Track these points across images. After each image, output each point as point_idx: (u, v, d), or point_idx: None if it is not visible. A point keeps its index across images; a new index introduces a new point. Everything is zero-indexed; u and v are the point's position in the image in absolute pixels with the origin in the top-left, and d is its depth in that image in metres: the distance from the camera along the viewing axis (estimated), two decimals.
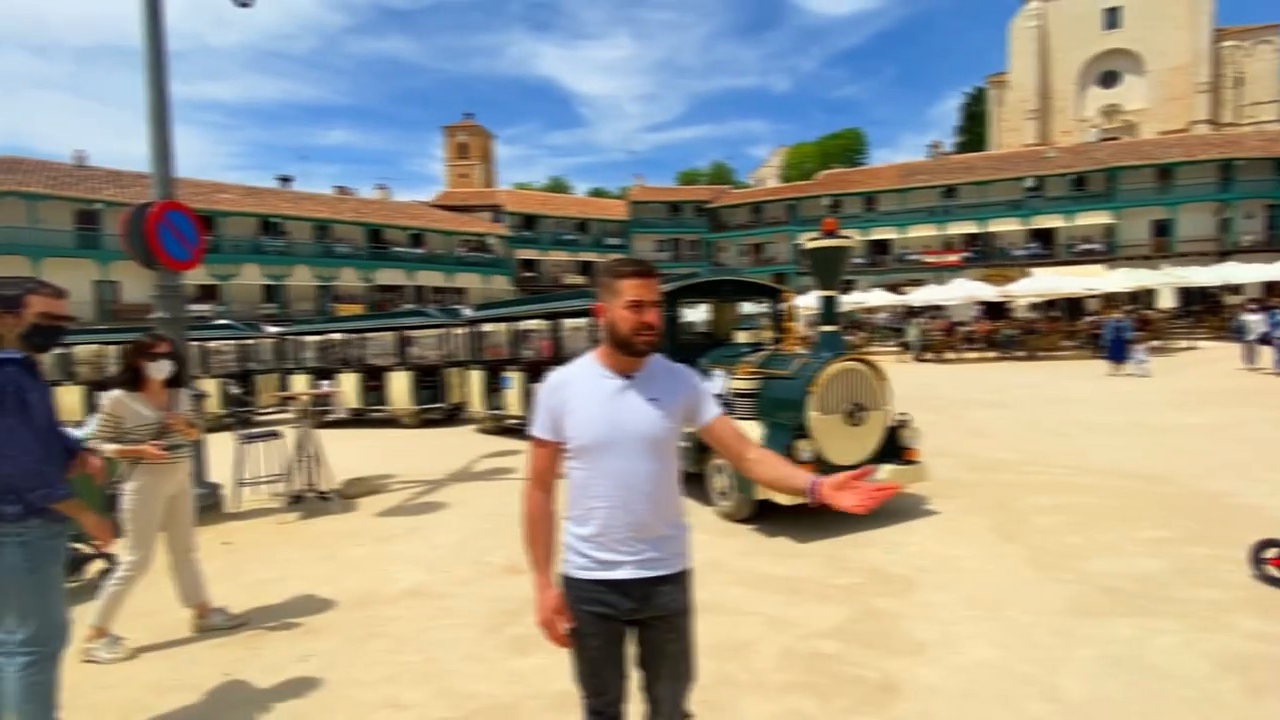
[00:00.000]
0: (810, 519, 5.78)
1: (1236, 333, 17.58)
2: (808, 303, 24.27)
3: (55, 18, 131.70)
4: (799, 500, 1.90)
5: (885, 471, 5.77)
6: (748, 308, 8.36)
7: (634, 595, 1.90)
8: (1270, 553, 4.28)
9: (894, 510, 6.15)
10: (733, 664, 3.45)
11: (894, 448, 6.03)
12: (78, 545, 4.82)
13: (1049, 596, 4.22)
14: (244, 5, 7.51)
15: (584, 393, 1.90)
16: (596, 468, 1.88)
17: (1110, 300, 26.86)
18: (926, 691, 3.17)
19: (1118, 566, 4.66)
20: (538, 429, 1.95)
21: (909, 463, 5.97)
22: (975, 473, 7.52)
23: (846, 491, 1.70)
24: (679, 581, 1.98)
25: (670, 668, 2.00)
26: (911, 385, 16.64)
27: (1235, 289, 27.98)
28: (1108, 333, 18.11)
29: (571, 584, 1.95)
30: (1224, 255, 34.06)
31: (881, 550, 5.14)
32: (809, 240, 5.92)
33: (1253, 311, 17.23)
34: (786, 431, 5.61)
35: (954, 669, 3.36)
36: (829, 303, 6.03)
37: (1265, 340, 15.90)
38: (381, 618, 4.17)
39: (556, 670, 3.40)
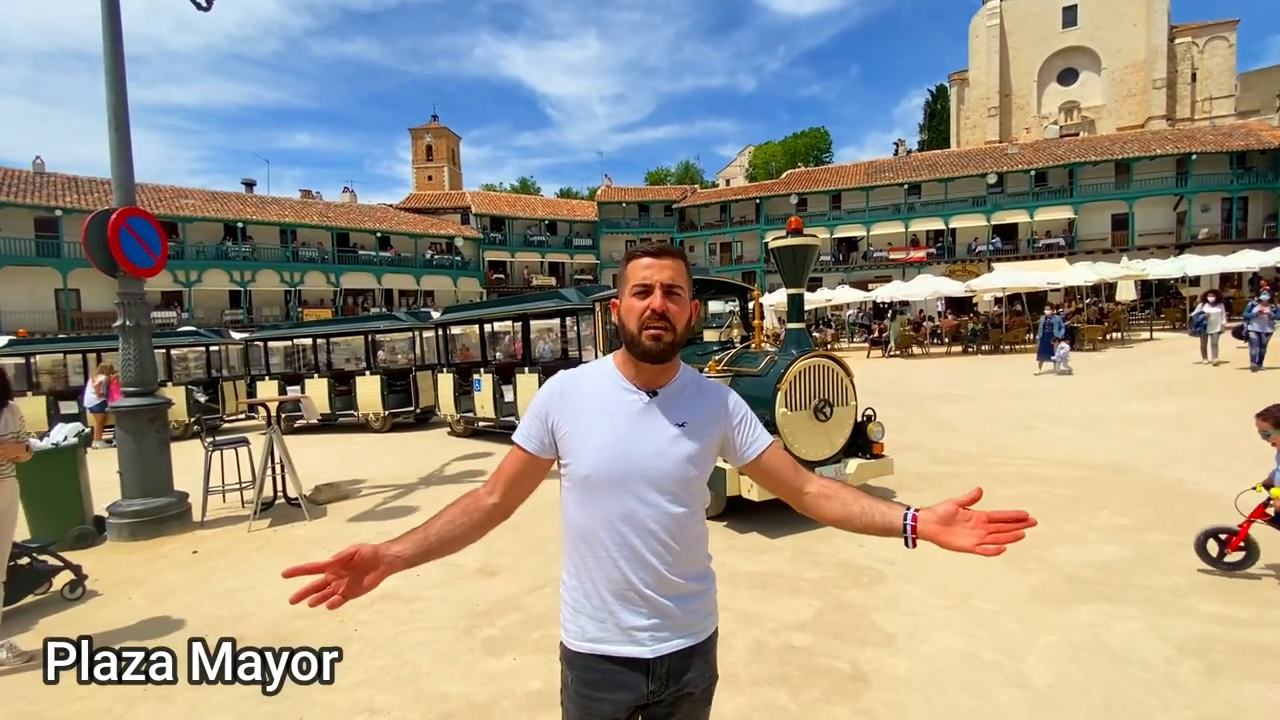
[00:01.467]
0: (780, 515, 5.84)
1: (1197, 327, 16.07)
2: (777, 300, 24.64)
3: (11, 21, 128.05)
4: (873, 533, 1.47)
5: (853, 465, 5.88)
6: (716, 306, 8.43)
7: (657, 675, 1.48)
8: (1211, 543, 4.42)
9: None
10: None
11: (861, 442, 6.13)
12: (44, 557, 4.73)
13: (1014, 585, 4.32)
14: (203, 9, 7.37)
15: (594, 407, 1.49)
16: (602, 507, 1.47)
17: (1069, 295, 27.44)
18: (895, 681, 3.24)
19: (1080, 555, 4.80)
20: (522, 436, 1.53)
21: (876, 456, 6.08)
22: (941, 465, 7.65)
23: (959, 529, 1.33)
24: (708, 652, 1.58)
25: None
26: (879, 381, 16.87)
27: (1193, 281, 28.74)
28: (1041, 329, 17.73)
29: (574, 661, 1.53)
30: (1181, 248, 35.02)
31: (851, 544, 5.22)
32: (775, 239, 5.98)
33: (1212, 304, 15.96)
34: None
35: (922, 658, 3.44)
36: (796, 300, 6.10)
37: (1239, 334, 14.89)
38: (354, 623, 4.14)
39: (530, 670, 3.43)
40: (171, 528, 6.40)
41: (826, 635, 3.73)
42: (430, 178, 65.64)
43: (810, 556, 4.99)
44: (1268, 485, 4.25)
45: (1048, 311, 18.12)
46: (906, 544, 1.39)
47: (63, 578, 4.79)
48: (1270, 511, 4.17)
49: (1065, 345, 16.81)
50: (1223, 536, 4.37)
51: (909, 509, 1.41)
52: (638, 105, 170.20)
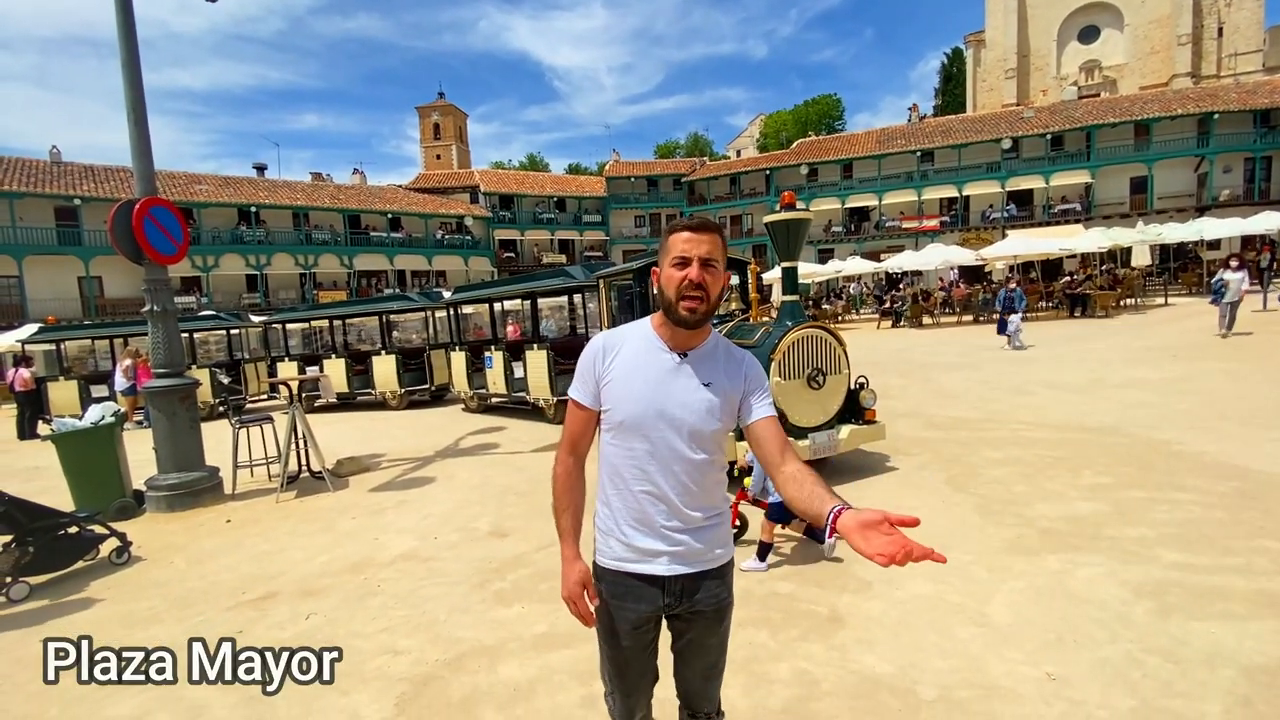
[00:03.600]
0: None
1: (1216, 295, 14.54)
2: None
3: (17, 9, 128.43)
4: (808, 518, 1.51)
5: (845, 431, 6.15)
6: None
7: (671, 591, 1.75)
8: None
9: (856, 467, 6.55)
10: None
11: (854, 409, 6.40)
12: (93, 527, 5.13)
13: (990, 538, 4.60)
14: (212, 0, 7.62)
15: (631, 363, 1.71)
16: (634, 448, 1.70)
17: (1084, 261, 27.24)
18: (868, 621, 3.55)
19: (1057, 510, 5.06)
20: (576, 391, 1.77)
21: (868, 423, 6.34)
22: (937, 431, 7.90)
23: (873, 534, 1.27)
24: (721, 576, 1.82)
25: (706, 663, 1.87)
26: (886, 351, 17.06)
27: (1211, 244, 28.38)
28: (999, 303, 16.88)
29: (603, 574, 1.80)
30: (1202, 210, 34.34)
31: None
32: (769, 215, 6.20)
33: (1234, 269, 14.30)
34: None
35: (894, 602, 3.74)
36: (790, 274, 6.34)
37: None
38: (376, 580, 4.52)
39: (535, 617, 3.78)
40: (205, 500, 6.82)
41: (808, 584, 4.04)
42: (439, 156, 65.72)
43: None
44: (745, 472, 4.79)
45: (1010, 286, 17.07)
46: (822, 537, 1.48)
47: (109, 545, 5.20)
48: (750, 495, 4.71)
49: (1017, 318, 16.16)
50: None
51: (839, 505, 1.38)
52: (646, 75, 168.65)
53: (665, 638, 1.91)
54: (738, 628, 3.53)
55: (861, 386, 6.43)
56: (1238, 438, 6.72)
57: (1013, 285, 17.26)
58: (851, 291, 35.45)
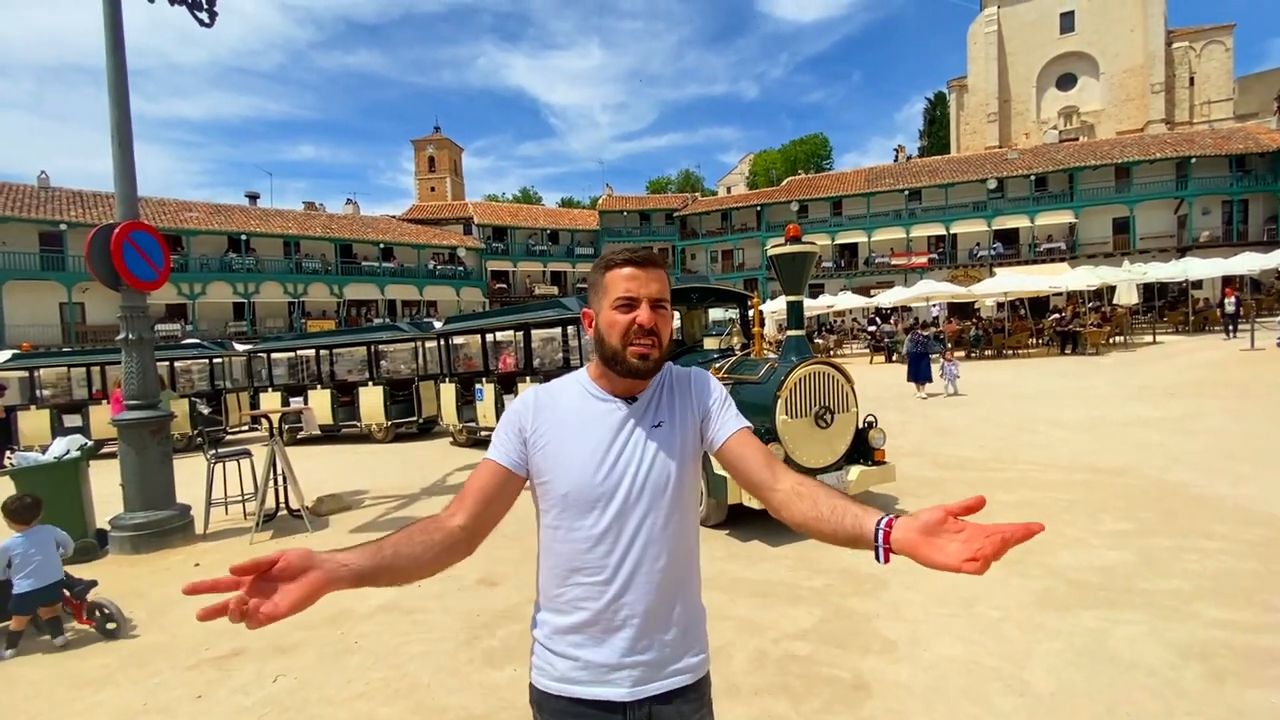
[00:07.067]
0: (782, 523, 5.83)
1: None
2: (777, 308, 24.68)
3: (16, 37, 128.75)
4: (839, 542, 1.16)
5: (854, 472, 5.86)
6: (716, 314, 8.43)
7: (635, 719, 1.34)
8: None
9: None
10: None
11: (863, 449, 6.12)
12: None
13: (1016, 591, 4.30)
14: (205, 25, 7.43)
15: (569, 419, 1.37)
16: (581, 528, 1.33)
17: (1071, 298, 27.38)
18: (896, 689, 3.22)
19: (1083, 560, 4.77)
20: (495, 451, 1.38)
21: (878, 463, 6.06)
22: (943, 471, 7.63)
23: (945, 539, 0.99)
24: (699, 693, 1.41)
25: None
26: (881, 386, 16.86)
27: (1195, 284, 28.72)
28: (908, 346, 15.52)
29: (544, 702, 1.37)
30: (1183, 251, 35.05)
31: (852, 551, 5.19)
32: (774, 247, 5.98)
33: None
34: (756, 436, 5.67)
35: (924, 666, 3.42)
36: (795, 307, 6.11)
37: None
38: (354, 634, 4.14)
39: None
40: (174, 540, 6.41)
41: (828, 644, 3.72)
42: (433, 189, 65.88)
43: (812, 564, 4.98)
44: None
45: (920, 330, 15.90)
46: (877, 557, 1.07)
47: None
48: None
49: (954, 365, 15.03)
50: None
51: (884, 515, 1.10)
52: (640, 113, 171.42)
53: None
54: (753, 695, 3.22)
55: (870, 425, 6.15)
56: (1254, 480, 6.49)
57: (924, 331, 16.70)
58: (859, 326, 35.13)
